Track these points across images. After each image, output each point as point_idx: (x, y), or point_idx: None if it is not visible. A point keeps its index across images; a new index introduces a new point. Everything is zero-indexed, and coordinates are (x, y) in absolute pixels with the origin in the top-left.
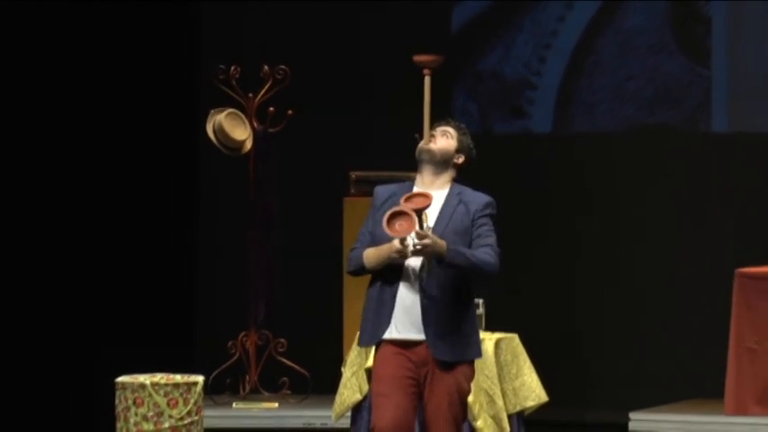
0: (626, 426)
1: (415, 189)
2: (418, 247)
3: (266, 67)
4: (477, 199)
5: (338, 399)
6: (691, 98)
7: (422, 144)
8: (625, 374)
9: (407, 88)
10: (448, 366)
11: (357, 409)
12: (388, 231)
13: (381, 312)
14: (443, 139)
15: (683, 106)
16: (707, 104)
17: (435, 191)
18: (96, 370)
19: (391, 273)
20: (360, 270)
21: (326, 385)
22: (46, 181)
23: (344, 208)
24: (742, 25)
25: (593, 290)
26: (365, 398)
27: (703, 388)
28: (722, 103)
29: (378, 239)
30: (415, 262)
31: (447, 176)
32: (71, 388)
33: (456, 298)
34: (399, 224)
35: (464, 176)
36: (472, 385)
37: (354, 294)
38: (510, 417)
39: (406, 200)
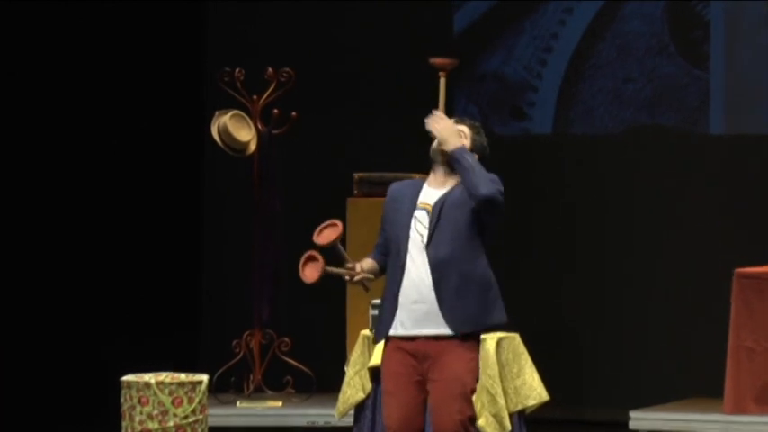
0: (626, 424)
1: (426, 186)
2: (433, 123)
3: (270, 70)
4: None
5: (341, 397)
6: (688, 100)
7: (435, 145)
8: (625, 373)
9: (410, 89)
10: (449, 360)
11: (360, 408)
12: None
13: (388, 309)
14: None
15: (680, 108)
16: (704, 107)
17: (447, 188)
18: (101, 368)
19: (395, 270)
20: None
21: (330, 384)
22: (51, 180)
23: (348, 208)
24: (739, 29)
25: (594, 289)
26: (368, 396)
27: (703, 387)
28: (719, 105)
29: (389, 237)
30: (417, 260)
31: (458, 177)
32: (76, 386)
33: (465, 266)
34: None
35: None
36: (478, 385)
37: (357, 294)
38: (511, 415)
39: (319, 233)
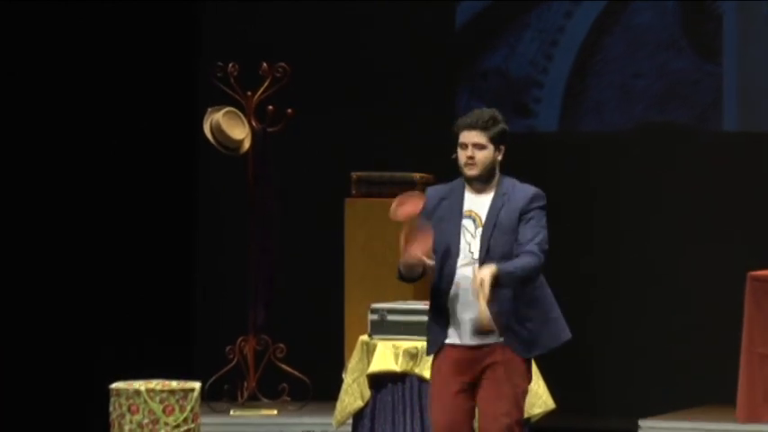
0: None
1: (467, 193)
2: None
3: (265, 65)
4: (520, 194)
5: (339, 405)
6: (701, 96)
7: (465, 171)
8: (634, 380)
9: (411, 85)
10: (500, 361)
11: (359, 417)
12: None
13: (439, 321)
14: (480, 154)
15: (692, 105)
16: (717, 103)
17: (490, 194)
18: (91, 375)
19: (444, 280)
20: (401, 277)
21: (327, 392)
22: (42, 181)
23: (346, 209)
24: (754, 22)
25: (601, 293)
26: (367, 404)
27: (714, 394)
28: (733, 101)
29: (434, 244)
30: (466, 269)
31: (495, 179)
32: (65, 394)
33: (522, 289)
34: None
35: None
36: (531, 386)
37: (356, 298)
38: None
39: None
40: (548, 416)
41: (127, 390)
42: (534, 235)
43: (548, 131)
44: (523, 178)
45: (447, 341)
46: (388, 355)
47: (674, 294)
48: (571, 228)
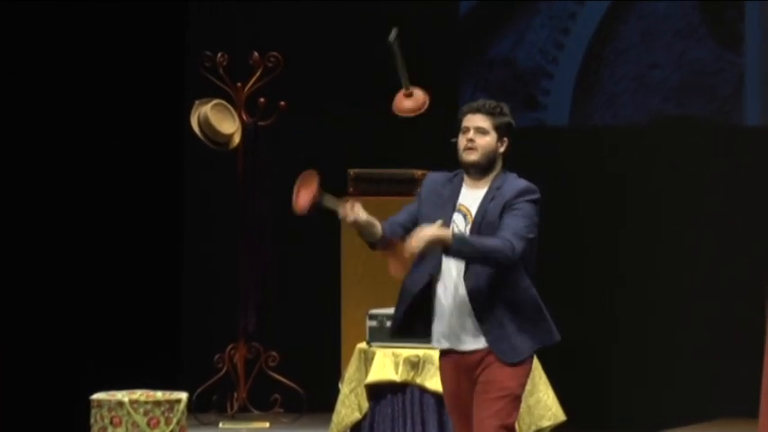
0: None
1: (464, 187)
2: (418, 243)
3: (256, 55)
4: (510, 188)
5: (335, 418)
6: (721, 88)
7: (463, 156)
8: (649, 391)
9: (410, 78)
10: (495, 362)
11: (356, 429)
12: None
13: (418, 313)
14: (481, 139)
15: (712, 96)
16: (738, 94)
17: (484, 188)
18: (71, 386)
19: (426, 275)
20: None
21: (322, 403)
22: (21, 180)
23: None
24: None
25: (615, 299)
26: (364, 417)
27: (736, 406)
28: (755, 93)
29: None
30: (453, 269)
31: (494, 170)
32: (45, 404)
33: (506, 292)
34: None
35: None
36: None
37: (353, 303)
38: None
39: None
40: (558, 428)
41: (109, 401)
42: (513, 224)
43: (558, 125)
44: (532, 175)
45: (438, 346)
46: (387, 364)
47: (693, 298)
48: (581, 229)
